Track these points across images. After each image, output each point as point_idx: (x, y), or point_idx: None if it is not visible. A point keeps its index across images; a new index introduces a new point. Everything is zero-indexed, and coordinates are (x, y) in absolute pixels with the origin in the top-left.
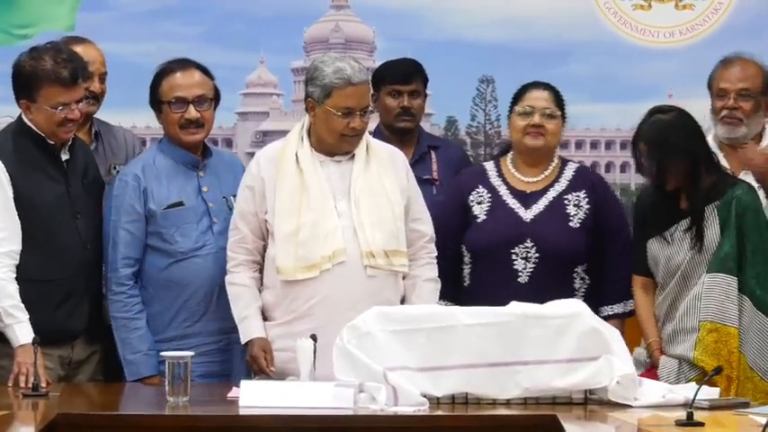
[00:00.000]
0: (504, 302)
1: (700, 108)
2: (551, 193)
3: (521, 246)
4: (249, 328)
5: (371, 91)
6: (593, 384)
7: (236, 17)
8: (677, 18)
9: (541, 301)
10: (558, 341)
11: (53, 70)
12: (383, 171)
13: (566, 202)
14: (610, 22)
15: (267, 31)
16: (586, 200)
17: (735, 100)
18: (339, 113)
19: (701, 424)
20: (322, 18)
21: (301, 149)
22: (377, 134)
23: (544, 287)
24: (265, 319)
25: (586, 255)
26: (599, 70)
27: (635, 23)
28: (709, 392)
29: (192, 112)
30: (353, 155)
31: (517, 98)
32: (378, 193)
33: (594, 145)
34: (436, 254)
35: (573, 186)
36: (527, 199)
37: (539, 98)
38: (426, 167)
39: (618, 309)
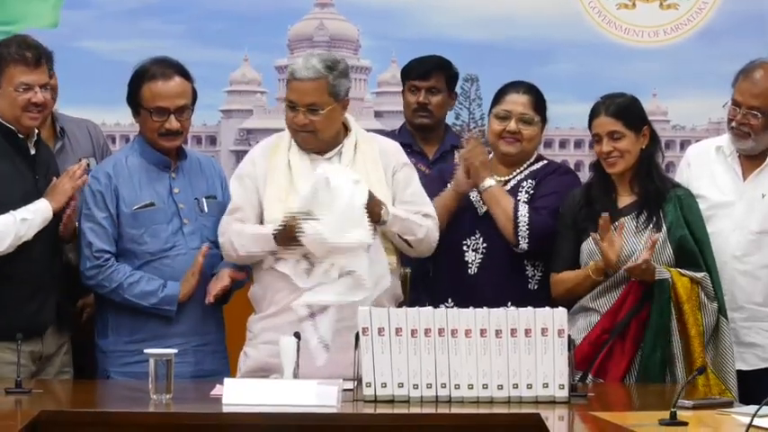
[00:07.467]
0: (457, 292)
1: (684, 107)
2: (511, 183)
3: (471, 238)
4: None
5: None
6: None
7: (219, 15)
8: (662, 17)
9: (492, 290)
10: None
11: (17, 51)
12: (368, 170)
13: (520, 189)
14: (594, 21)
15: (251, 29)
16: (536, 186)
17: (744, 115)
18: (286, 105)
19: (684, 423)
20: (306, 16)
21: (293, 147)
22: (403, 130)
23: (494, 277)
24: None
25: None
26: (583, 69)
27: (619, 23)
28: None
29: (174, 123)
30: (341, 152)
31: (497, 99)
32: None
33: (579, 144)
34: None
35: (531, 175)
36: None
37: (517, 102)
38: (447, 166)
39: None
